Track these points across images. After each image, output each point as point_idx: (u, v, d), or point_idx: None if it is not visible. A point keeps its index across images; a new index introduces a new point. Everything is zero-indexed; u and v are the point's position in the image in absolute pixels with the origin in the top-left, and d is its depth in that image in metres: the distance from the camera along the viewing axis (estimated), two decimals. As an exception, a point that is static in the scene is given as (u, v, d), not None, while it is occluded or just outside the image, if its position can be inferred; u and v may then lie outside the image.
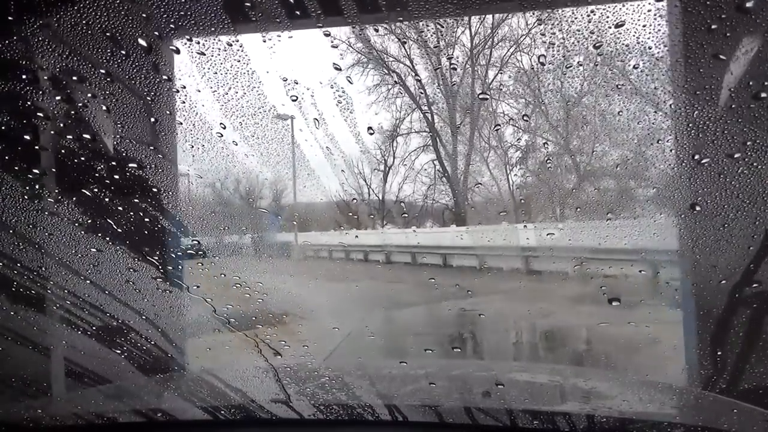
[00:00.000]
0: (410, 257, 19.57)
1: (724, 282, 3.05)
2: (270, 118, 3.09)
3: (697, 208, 2.90)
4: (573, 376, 1.75)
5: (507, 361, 5.14)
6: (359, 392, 1.58)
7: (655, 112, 3.41)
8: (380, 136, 32.70)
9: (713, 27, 2.02)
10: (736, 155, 2.83)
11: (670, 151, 3.40)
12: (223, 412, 1.30)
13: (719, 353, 2.56)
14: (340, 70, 2.80)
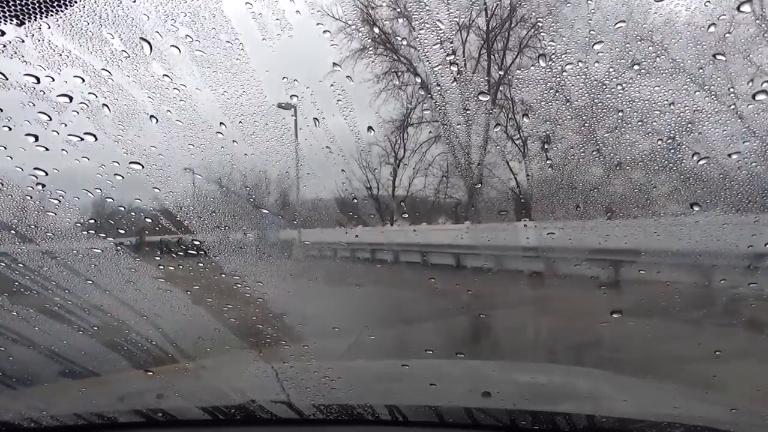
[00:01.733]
0: (417, 256, 19.27)
1: (723, 281, 3.06)
2: (270, 116, 3.08)
3: (696, 208, 2.91)
4: (573, 376, 1.75)
5: (507, 362, 5.12)
6: (359, 392, 1.58)
7: (657, 111, 3.42)
8: (382, 132, 31.76)
9: (711, 28, 2.02)
10: (734, 155, 2.83)
11: (670, 150, 3.40)
12: (223, 412, 1.30)
13: (718, 353, 2.56)
14: (340, 68, 2.80)
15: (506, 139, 26.65)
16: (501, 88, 25.00)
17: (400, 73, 28.17)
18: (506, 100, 25.60)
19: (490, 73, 24.69)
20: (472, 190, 26.30)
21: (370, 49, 27.91)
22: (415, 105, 28.48)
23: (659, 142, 3.53)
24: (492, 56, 23.94)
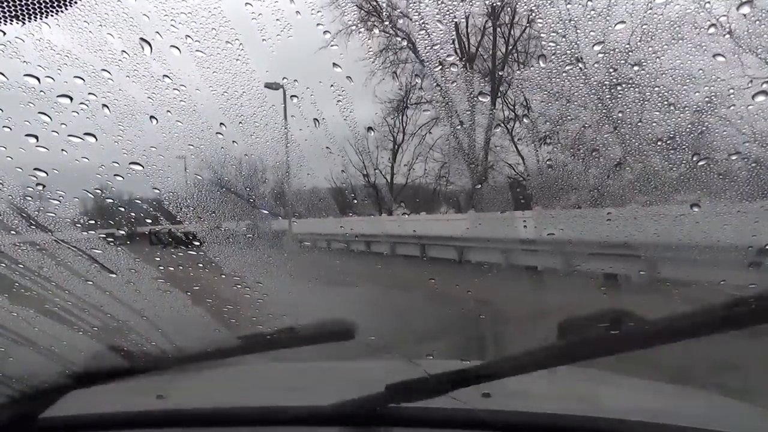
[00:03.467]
0: (418, 249, 18.90)
1: (723, 282, 3.06)
2: (270, 116, 3.07)
3: (695, 209, 2.90)
4: (573, 376, 1.75)
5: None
6: (358, 392, 1.57)
7: (657, 111, 3.41)
8: (381, 123, 30.79)
9: (711, 29, 2.02)
10: (734, 156, 2.83)
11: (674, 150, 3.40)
12: (223, 412, 1.30)
13: (717, 353, 2.56)
14: (340, 68, 2.79)
15: (513, 120, 25.78)
16: (506, 67, 24.21)
17: (397, 52, 27.32)
18: (512, 78, 24.76)
19: (495, 53, 23.98)
20: (476, 177, 25.67)
21: (367, 27, 27.03)
22: (415, 87, 27.53)
23: (659, 143, 3.53)
24: (498, 29, 22.99)
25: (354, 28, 27.05)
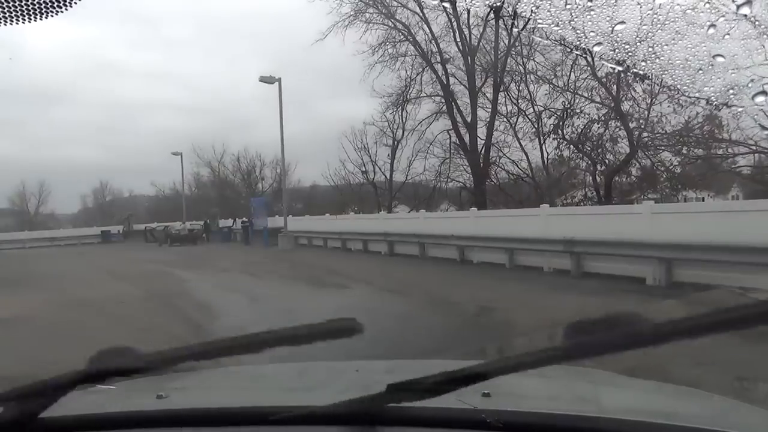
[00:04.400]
0: (417, 248, 18.69)
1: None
2: (263, 102, 3.06)
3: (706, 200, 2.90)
4: (573, 376, 1.75)
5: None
6: (356, 392, 1.57)
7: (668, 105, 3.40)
8: (384, 107, 30.20)
9: (711, 30, 2.01)
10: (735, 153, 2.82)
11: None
12: (223, 412, 1.29)
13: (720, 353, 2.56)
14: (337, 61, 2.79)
15: (516, 114, 25.21)
16: (509, 60, 23.84)
17: (396, 44, 26.84)
18: (514, 71, 24.31)
19: (497, 46, 23.63)
20: (479, 171, 25.29)
21: (366, 16, 26.36)
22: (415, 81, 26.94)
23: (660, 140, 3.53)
24: (501, 20, 22.49)
25: (351, 19, 26.49)
